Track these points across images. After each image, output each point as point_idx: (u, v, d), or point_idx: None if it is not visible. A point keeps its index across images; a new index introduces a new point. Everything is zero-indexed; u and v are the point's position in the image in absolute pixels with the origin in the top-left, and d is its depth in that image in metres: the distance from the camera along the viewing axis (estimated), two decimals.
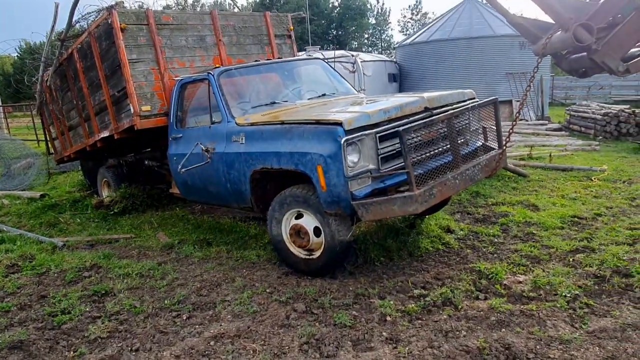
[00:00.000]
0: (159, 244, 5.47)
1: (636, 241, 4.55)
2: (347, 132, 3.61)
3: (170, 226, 6.13)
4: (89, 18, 7.45)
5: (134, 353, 3.19)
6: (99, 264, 4.81)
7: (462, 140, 4.40)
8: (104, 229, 6.35)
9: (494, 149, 4.63)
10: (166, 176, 6.65)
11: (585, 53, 3.58)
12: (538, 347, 2.94)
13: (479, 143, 4.66)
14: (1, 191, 8.88)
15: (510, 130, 4.25)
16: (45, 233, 6.19)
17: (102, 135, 6.50)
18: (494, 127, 4.64)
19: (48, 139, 8.85)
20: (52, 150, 8.94)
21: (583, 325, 3.16)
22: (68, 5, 6.42)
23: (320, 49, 19.49)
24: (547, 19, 3.77)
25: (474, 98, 4.82)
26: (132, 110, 5.60)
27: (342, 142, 3.54)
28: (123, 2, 6.13)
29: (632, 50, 3.64)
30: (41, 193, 8.42)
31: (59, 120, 7.82)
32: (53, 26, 7.47)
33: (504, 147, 4.46)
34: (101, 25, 5.90)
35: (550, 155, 8.87)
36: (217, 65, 5.48)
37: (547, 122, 14.31)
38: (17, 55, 33.92)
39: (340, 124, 3.66)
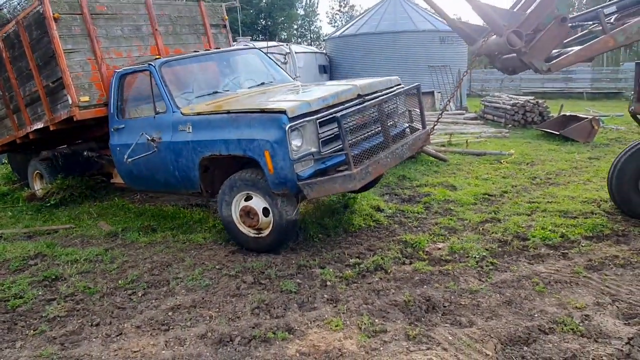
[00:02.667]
0: (101, 232, 5.56)
1: (534, 212, 5.36)
2: (291, 119, 3.99)
3: (111, 215, 6.20)
4: (11, 3, 7.22)
5: (95, 327, 3.41)
6: (43, 253, 4.87)
7: (392, 122, 4.95)
8: (40, 220, 6.29)
9: (419, 129, 5.24)
10: (105, 167, 6.66)
11: (515, 54, 4.25)
12: (452, 297, 3.54)
13: (406, 124, 5.25)
14: None
15: (439, 117, 4.93)
16: None
17: (35, 127, 6.38)
18: (418, 110, 5.25)
19: None
20: None
21: (488, 279, 3.80)
22: None
23: (251, 40, 19.57)
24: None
25: (399, 84, 5.38)
26: (69, 101, 5.60)
27: (286, 128, 3.92)
28: None
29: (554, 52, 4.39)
30: None
31: None
32: None
33: (428, 128, 5.10)
34: (31, 14, 5.78)
35: (467, 141, 9.79)
36: (157, 56, 5.60)
37: (464, 111, 15.46)
38: None
39: (284, 112, 4.03)
